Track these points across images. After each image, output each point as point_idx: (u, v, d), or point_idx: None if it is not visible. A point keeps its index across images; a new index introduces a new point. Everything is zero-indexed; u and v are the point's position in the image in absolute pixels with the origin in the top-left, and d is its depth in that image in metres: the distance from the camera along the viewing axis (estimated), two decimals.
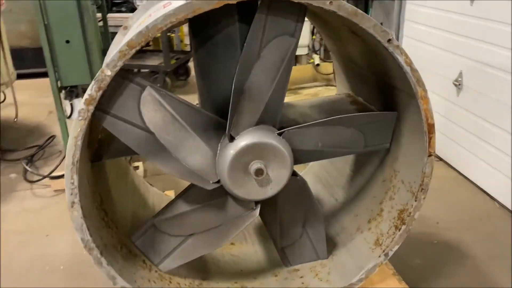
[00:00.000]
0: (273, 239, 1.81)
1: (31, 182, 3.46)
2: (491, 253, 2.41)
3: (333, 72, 5.21)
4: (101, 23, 3.90)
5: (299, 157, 1.59)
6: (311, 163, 2.48)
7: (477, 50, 3.02)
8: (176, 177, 1.51)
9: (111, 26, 4.14)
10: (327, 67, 5.58)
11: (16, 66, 4.63)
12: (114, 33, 2.06)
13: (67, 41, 2.98)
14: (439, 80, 3.37)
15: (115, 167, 1.98)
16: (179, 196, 1.63)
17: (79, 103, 3.61)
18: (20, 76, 4.81)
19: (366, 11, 4.95)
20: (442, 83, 3.33)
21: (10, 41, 4.57)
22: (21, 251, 2.59)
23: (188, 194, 1.62)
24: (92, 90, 1.19)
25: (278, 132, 1.50)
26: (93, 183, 1.56)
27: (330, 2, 1.22)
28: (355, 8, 1.24)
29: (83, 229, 1.35)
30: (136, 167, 3.47)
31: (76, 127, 1.22)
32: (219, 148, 1.51)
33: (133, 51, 1.17)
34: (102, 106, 1.41)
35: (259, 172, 1.46)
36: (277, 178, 1.51)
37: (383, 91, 1.69)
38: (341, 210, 2.03)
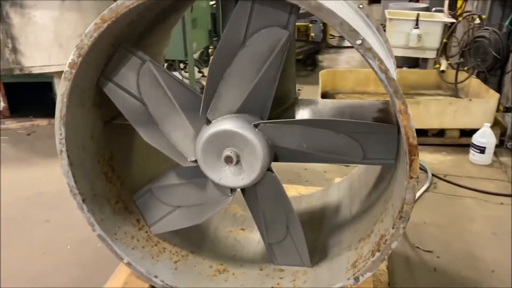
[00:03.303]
0: (260, 232, 1.79)
1: None
2: None
3: (459, 82, 4.65)
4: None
5: (282, 154, 1.54)
6: (353, 171, 2.33)
7: None
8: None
9: None
10: (455, 76, 4.95)
11: None
12: None
13: None
14: None
15: None
16: (172, 168, 1.74)
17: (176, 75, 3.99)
18: None
19: None
20: None
21: None
22: None
23: (179, 168, 1.71)
24: (74, 56, 1.36)
25: (254, 123, 1.47)
26: (104, 140, 1.75)
27: None
28: (320, 2, 1.14)
29: (69, 175, 1.55)
30: None
31: (62, 87, 1.41)
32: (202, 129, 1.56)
33: (105, 25, 1.29)
34: (107, 74, 1.59)
35: (228, 159, 1.47)
36: (249, 170, 1.49)
37: None
38: (347, 223, 1.88)
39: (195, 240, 1.99)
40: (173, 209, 1.77)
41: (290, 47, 1.88)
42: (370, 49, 1.16)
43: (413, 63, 6.42)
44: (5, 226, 2.57)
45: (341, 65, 7.16)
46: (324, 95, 4.95)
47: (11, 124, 4.34)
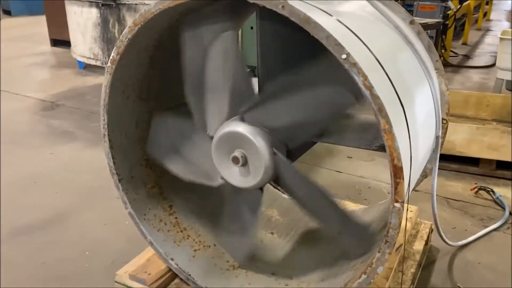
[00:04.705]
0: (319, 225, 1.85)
1: None
2: None
3: None
4: None
5: (284, 137, 1.56)
6: None
7: None
8: None
9: None
10: None
11: None
12: None
13: (251, 27, 3.48)
14: None
15: None
16: None
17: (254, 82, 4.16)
18: None
19: None
20: None
21: None
22: None
23: None
24: (114, 53, 1.59)
25: (242, 109, 1.53)
26: (149, 130, 1.96)
27: (282, 7, 1.20)
28: (308, 15, 1.17)
29: (109, 157, 1.80)
30: None
31: (105, 79, 1.65)
32: None
33: (136, 28, 1.49)
34: None
35: (234, 160, 1.56)
36: (255, 172, 1.56)
37: None
38: None
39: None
40: None
41: None
42: (355, 64, 1.16)
43: None
44: (86, 194, 3.02)
45: (454, 85, 6.60)
46: None
47: None
